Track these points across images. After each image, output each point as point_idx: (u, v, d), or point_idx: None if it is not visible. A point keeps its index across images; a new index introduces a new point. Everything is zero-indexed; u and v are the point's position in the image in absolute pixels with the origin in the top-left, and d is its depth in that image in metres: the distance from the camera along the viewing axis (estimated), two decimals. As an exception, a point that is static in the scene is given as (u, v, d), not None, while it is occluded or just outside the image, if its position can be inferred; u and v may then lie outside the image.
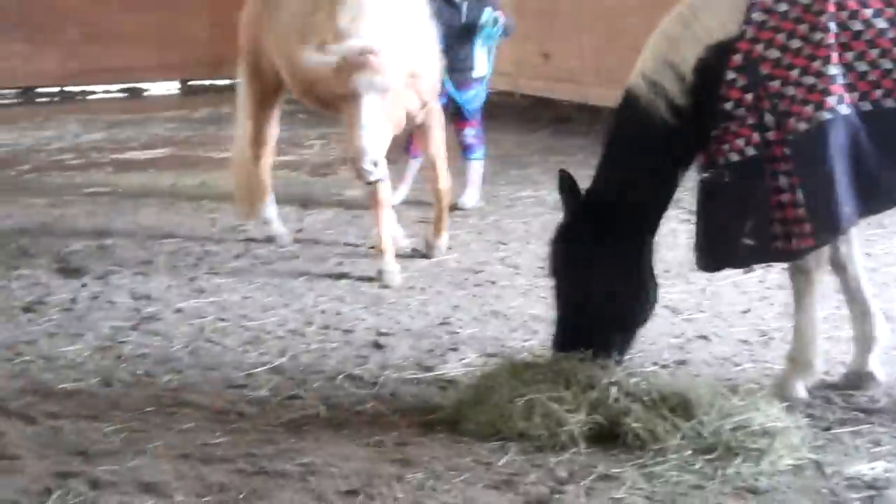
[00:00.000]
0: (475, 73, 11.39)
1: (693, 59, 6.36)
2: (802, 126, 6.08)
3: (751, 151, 6.18)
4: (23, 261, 9.93)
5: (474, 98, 11.46)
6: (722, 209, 6.32)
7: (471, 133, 11.65)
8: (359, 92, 8.21)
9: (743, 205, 6.23)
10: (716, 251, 6.45)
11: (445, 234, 9.95)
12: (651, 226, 6.62)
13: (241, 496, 5.63)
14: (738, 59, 6.23)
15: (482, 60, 11.41)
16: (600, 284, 6.48)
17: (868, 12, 6.14)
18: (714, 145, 6.30)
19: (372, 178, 8.34)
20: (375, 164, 8.22)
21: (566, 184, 6.56)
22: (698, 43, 6.36)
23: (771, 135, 6.15)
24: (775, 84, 6.16)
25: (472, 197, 11.69)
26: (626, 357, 6.69)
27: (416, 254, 9.89)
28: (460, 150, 11.60)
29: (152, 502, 5.59)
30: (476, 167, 11.78)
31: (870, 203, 6.21)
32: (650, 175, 6.52)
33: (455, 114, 11.35)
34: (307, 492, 5.68)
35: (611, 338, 6.54)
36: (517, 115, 17.38)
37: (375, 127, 8.25)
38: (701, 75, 6.34)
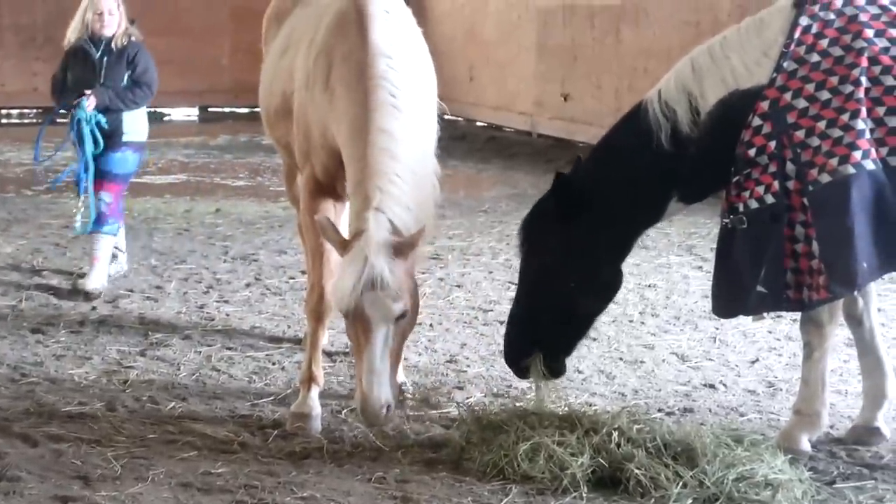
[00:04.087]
0: (126, 137, 9.80)
1: (713, 99, 6.38)
2: (825, 178, 6.07)
3: (770, 199, 6.17)
4: (34, 282, 9.95)
5: (120, 162, 9.84)
6: (738, 255, 6.30)
7: (107, 199, 9.83)
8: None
9: (759, 252, 6.22)
10: (729, 297, 6.45)
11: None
12: (617, 233, 6.68)
13: (240, 527, 5.63)
14: (765, 105, 6.23)
15: (137, 124, 9.90)
16: (554, 265, 6.63)
17: None
18: (735, 191, 6.30)
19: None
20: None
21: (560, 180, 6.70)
22: (723, 84, 6.38)
23: (791, 184, 6.14)
24: (800, 133, 6.15)
25: (97, 278, 9.78)
26: (572, 352, 6.90)
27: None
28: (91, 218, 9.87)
29: (150, 530, 5.58)
30: (104, 243, 9.89)
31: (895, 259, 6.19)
32: (627, 187, 6.58)
33: (95, 172, 9.74)
34: (306, 525, 5.67)
35: (558, 324, 6.68)
36: (535, 154, 17.42)
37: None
38: (716, 117, 6.36)
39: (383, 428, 6.56)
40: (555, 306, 6.66)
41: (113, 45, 9.68)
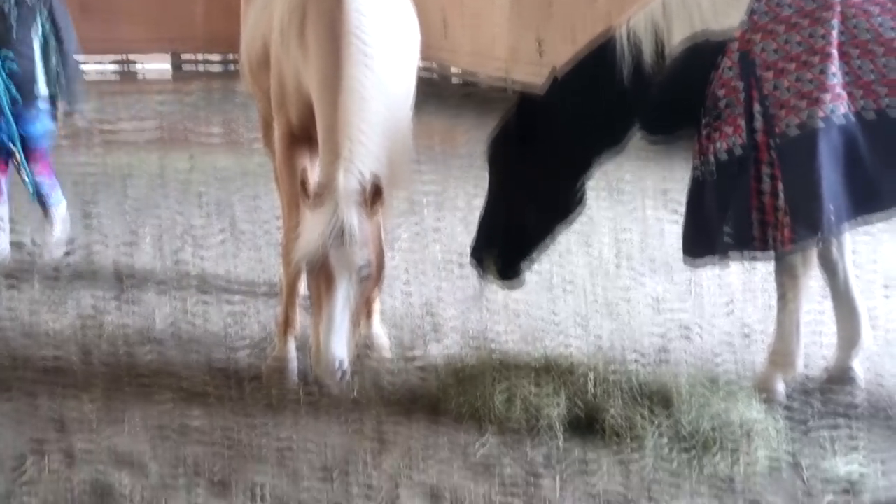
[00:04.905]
0: (40, 90, 9.13)
1: (679, 37, 6.40)
2: (793, 131, 6.07)
3: (738, 150, 6.17)
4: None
5: (40, 128, 9.21)
6: (707, 202, 6.32)
7: (45, 181, 9.37)
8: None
9: (726, 199, 6.23)
10: (698, 242, 6.46)
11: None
12: (576, 154, 6.77)
13: (216, 470, 5.62)
14: (734, 52, 6.22)
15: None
16: (514, 180, 6.82)
17: (877, 20, 6.12)
18: (705, 140, 6.30)
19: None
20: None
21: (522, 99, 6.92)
22: (690, 26, 6.39)
23: (759, 131, 6.14)
24: (768, 82, 6.14)
25: (61, 242, 9.53)
26: (527, 264, 7.05)
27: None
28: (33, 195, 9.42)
29: (126, 475, 5.57)
30: (57, 209, 9.48)
31: (869, 208, 6.19)
32: (588, 112, 6.65)
33: (24, 148, 9.14)
34: (282, 468, 5.68)
35: (515, 234, 6.87)
36: (509, 104, 17.33)
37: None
38: (681, 58, 6.38)
39: (336, 385, 6.46)
40: (513, 218, 6.84)
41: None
